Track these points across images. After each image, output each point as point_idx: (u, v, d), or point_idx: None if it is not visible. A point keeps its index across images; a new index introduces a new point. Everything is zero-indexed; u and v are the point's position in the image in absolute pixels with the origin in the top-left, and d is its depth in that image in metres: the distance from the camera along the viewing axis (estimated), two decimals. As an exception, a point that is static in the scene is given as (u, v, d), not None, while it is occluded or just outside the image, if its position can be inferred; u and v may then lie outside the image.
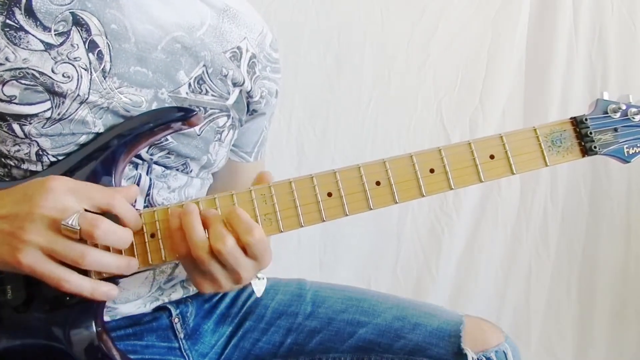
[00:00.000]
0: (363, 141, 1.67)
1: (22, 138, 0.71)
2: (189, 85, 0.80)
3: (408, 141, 1.68)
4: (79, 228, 0.62)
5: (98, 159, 0.73)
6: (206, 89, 0.82)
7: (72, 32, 0.72)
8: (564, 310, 1.85)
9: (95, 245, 0.66)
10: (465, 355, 0.85)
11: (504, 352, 0.86)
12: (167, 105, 0.78)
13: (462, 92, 1.69)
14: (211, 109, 0.82)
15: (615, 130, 0.75)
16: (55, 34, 0.71)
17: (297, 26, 1.59)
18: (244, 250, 0.68)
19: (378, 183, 0.72)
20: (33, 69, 0.70)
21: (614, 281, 1.82)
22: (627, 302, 1.82)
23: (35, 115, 0.71)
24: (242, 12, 0.88)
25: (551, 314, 1.84)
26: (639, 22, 1.68)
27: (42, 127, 0.71)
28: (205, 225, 0.68)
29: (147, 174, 0.80)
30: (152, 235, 0.71)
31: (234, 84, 0.85)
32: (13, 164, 0.73)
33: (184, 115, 0.76)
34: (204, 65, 0.81)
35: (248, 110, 0.89)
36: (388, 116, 1.67)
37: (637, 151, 0.76)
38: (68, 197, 0.64)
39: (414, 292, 1.76)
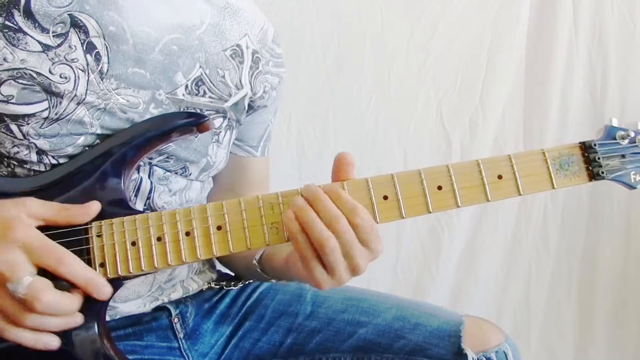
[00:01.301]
0: (363, 141, 1.67)
1: (20, 139, 0.71)
2: (186, 86, 0.80)
3: (408, 141, 1.67)
4: (22, 296, 0.62)
5: (107, 162, 0.73)
6: (204, 91, 0.82)
7: (70, 33, 0.73)
8: (564, 310, 1.84)
9: None
10: (466, 355, 0.85)
11: (504, 352, 0.86)
12: (164, 106, 0.79)
13: (462, 92, 1.69)
14: (207, 110, 0.82)
15: (623, 156, 0.77)
16: (53, 36, 0.72)
17: (297, 27, 1.59)
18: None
19: (386, 197, 0.72)
20: (31, 70, 0.70)
21: (614, 281, 1.82)
22: (627, 302, 1.82)
23: (33, 115, 0.71)
24: (242, 8, 0.88)
25: (551, 314, 1.84)
26: (639, 22, 1.68)
27: (39, 128, 0.71)
28: (314, 206, 0.67)
29: (148, 177, 0.80)
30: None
31: (237, 87, 0.85)
32: (16, 163, 0.73)
33: (195, 120, 0.76)
34: (200, 67, 0.81)
35: (250, 109, 0.90)
36: (388, 116, 1.67)
37: None
38: (20, 252, 0.64)
39: (414, 292, 1.75)
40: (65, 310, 0.66)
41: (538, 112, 1.71)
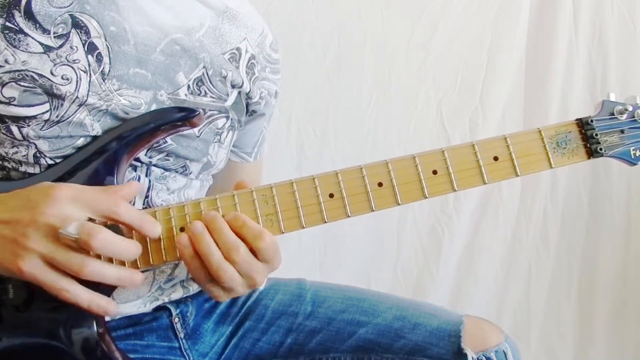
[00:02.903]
0: (363, 141, 1.67)
1: (20, 140, 0.71)
2: (188, 87, 0.80)
3: (408, 141, 1.68)
4: (76, 236, 0.61)
5: (99, 159, 0.73)
6: (205, 91, 0.82)
7: (71, 34, 0.72)
8: (564, 310, 1.84)
9: (100, 257, 0.65)
10: (465, 355, 0.85)
11: (503, 351, 0.86)
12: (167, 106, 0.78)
13: (462, 92, 1.69)
14: (210, 110, 0.82)
15: (622, 132, 0.75)
16: (54, 37, 0.72)
17: (297, 26, 1.59)
18: (255, 255, 0.69)
19: (380, 184, 0.72)
20: (32, 71, 0.70)
21: (614, 281, 1.82)
22: (627, 302, 1.82)
23: (34, 117, 0.71)
24: (242, 12, 0.88)
25: (551, 314, 1.84)
26: (639, 22, 1.68)
27: (40, 129, 0.71)
28: (213, 235, 0.68)
29: (146, 175, 0.80)
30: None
31: (233, 86, 0.85)
32: (11, 167, 0.73)
33: (186, 115, 0.76)
34: (203, 67, 0.81)
35: (247, 111, 0.89)
36: (388, 116, 1.67)
37: None
38: (70, 205, 0.64)
39: (414, 292, 1.75)
40: (122, 250, 0.65)
41: (538, 112, 1.71)
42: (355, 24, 1.63)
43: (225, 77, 0.83)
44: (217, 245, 0.67)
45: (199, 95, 0.81)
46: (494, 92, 1.70)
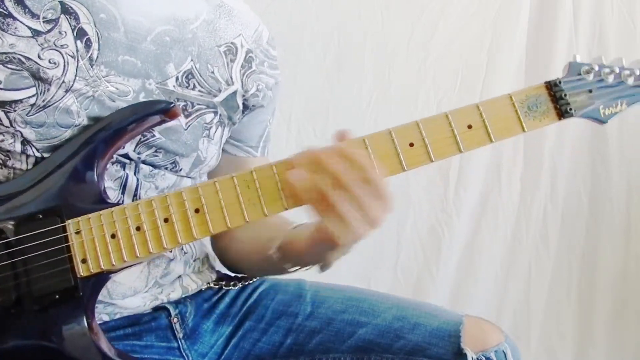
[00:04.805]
0: (363, 141, 1.67)
1: (6, 127, 0.72)
2: (177, 78, 0.80)
3: (408, 141, 1.67)
4: None
5: (79, 157, 0.73)
6: (194, 84, 0.82)
7: (60, 19, 0.73)
8: (564, 310, 1.84)
9: None
10: (465, 355, 0.84)
11: (503, 352, 0.86)
12: (154, 96, 0.79)
13: (462, 92, 1.69)
14: (197, 104, 0.83)
15: (590, 91, 0.76)
16: (43, 21, 0.73)
17: (297, 26, 1.59)
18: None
19: None
20: (19, 54, 0.71)
21: (614, 281, 1.82)
22: (627, 302, 1.82)
23: (20, 101, 0.71)
24: (236, 9, 0.89)
25: (551, 314, 1.84)
26: (639, 22, 1.68)
27: (26, 115, 0.71)
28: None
29: (134, 173, 0.80)
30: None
31: (227, 83, 0.85)
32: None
33: (164, 107, 0.76)
34: (191, 60, 0.82)
35: (245, 108, 0.90)
36: (388, 116, 1.67)
37: (613, 112, 0.77)
38: None
39: (414, 292, 1.75)
40: None
41: (538, 112, 1.71)
42: (355, 24, 1.63)
43: (212, 72, 0.83)
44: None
45: (187, 87, 0.81)
46: (494, 92, 1.68)
